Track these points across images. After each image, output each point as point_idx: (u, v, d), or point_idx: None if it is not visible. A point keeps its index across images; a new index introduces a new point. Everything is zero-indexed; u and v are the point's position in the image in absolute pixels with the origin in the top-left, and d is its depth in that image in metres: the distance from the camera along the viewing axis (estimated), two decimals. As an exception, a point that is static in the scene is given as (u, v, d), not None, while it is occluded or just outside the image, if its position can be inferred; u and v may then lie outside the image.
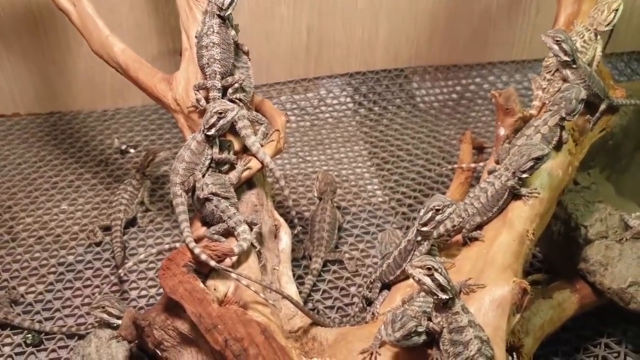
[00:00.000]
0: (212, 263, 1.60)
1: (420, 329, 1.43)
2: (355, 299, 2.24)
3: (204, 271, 1.67)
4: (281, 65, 3.24)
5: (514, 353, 1.53)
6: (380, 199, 2.72)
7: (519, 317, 1.60)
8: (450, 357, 1.44)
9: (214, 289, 1.63)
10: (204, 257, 1.60)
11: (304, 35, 3.19)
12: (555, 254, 2.26)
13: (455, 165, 2.41)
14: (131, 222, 2.53)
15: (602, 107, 2.09)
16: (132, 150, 2.95)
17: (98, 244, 2.45)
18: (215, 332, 1.53)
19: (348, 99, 3.29)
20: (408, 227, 2.48)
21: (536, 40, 3.39)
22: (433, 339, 1.50)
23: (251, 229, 1.76)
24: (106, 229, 2.47)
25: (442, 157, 2.95)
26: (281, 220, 1.96)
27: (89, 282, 2.30)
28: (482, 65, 3.44)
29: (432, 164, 2.90)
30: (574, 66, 2.02)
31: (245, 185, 1.91)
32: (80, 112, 3.19)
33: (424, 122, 3.19)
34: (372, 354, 1.50)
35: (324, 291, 2.29)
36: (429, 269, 1.46)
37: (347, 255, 2.40)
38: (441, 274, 1.46)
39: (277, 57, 3.21)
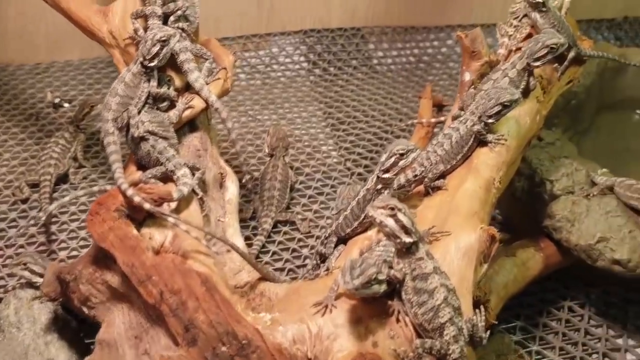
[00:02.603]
0: (147, 206, 1.40)
1: (381, 277, 1.28)
2: (308, 261, 2.08)
3: (138, 218, 1.47)
4: (230, 20, 3.04)
5: (481, 307, 1.40)
6: (335, 160, 2.56)
7: (486, 268, 1.47)
8: (413, 307, 1.30)
9: (149, 238, 1.44)
10: (137, 199, 1.40)
11: (255, -12, 2.99)
12: (518, 213, 2.15)
13: (415, 120, 2.27)
14: (62, 179, 2.30)
15: (571, 55, 1.98)
16: (66, 105, 2.70)
17: (24, 201, 2.21)
18: (149, 284, 1.34)
19: (302, 58, 3.11)
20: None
21: (497, 3, 3.28)
22: (394, 289, 1.36)
23: (193, 174, 1.58)
24: (34, 185, 2.23)
25: (400, 119, 2.82)
26: (228, 168, 1.77)
27: (12, 242, 2.06)
28: (441, 28, 3.32)
29: (390, 125, 2.76)
30: (544, 9, 1.90)
31: (187, 127, 1.72)
32: (9, 64, 2.91)
33: (381, 84, 3.05)
34: (326, 306, 1.34)
35: (274, 253, 2.13)
36: (392, 208, 1.31)
37: (299, 216, 2.23)
38: (405, 215, 1.31)
39: (225, 10, 3.01)
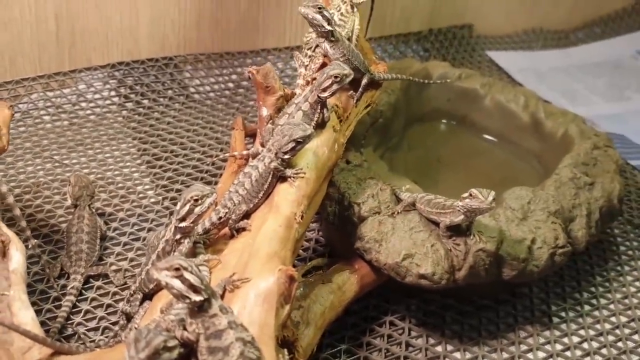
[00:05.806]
0: None
1: (171, 343, 1.22)
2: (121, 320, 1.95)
3: None
4: (27, 58, 2.82)
5: (285, 351, 1.38)
6: (152, 200, 2.45)
7: (289, 309, 1.46)
8: (209, 368, 1.25)
9: None
10: None
11: (51, 23, 2.79)
12: (335, 237, 2.19)
13: (227, 154, 2.23)
14: None
15: (364, 81, 2.05)
16: None
17: None
18: None
19: (112, 93, 2.96)
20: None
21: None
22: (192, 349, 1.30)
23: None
24: None
25: (221, 149, 2.77)
26: (11, 234, 1.62)
27: None
28: (257, 52, 3.32)
29: (210, 157, 2.70)
30: (332, 39, 1.95)
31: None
32: None
33: (199, 114, 2.98)
34: (119, 379, 1.25)
35: (87, 311, 1.98)
36: (177, 269, 1.25)
37: (113, 267, 2.10)
38: (192, 273, 1.26)
39: (21, 48, 2.79)
